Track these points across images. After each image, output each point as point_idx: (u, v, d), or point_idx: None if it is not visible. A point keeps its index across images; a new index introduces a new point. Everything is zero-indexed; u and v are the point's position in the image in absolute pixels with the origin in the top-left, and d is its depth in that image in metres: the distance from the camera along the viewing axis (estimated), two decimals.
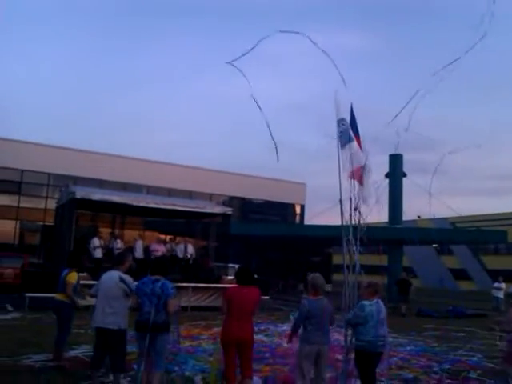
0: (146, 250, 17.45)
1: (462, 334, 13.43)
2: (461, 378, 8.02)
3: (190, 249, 18.44)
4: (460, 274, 45.91)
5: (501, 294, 20.27)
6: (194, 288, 15.83)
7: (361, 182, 7.29)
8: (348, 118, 7.77)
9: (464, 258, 49.73)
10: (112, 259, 10.66)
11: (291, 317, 5.73)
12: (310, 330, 5.74)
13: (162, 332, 5.75)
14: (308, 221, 35.94)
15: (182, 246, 18.24)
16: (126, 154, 32.57)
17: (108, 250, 16.46)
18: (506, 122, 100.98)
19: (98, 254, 16.22)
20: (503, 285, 20.46)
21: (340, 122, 7.68)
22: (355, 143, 7.55)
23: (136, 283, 6.12)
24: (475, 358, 9.66)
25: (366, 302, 6.02)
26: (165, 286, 5.80)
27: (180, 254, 17.98)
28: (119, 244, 16.94)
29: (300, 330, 5.92)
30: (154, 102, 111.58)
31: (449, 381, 7.73)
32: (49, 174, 29.84)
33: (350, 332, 6.29)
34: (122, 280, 6.07)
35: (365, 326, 5.90)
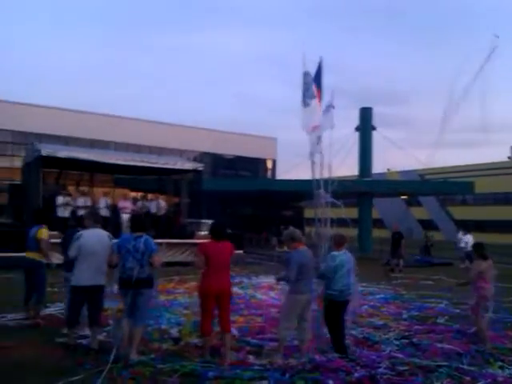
0: (114, 207, 17.25)
1: (430, 283, 13.91)
2: (429, 323, 8.35)
3: (163, 204, 18.31)
4: (428, 225, 47.11)
5: (463, 245, 20.71)
6: (168, 244, 15.84)
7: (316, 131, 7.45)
8: (314, 72, 7.76)
9: (432, 209, 51.01)
10: (79, 217, 10.51)
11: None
12: (300, 280, 5.82)
13: (146, 287, 5.83)
14: (280, 176, 36.15)
15: (154, 203, 18.08)
16: (93, 109, 31.74)
17: (73, 208, 16.13)
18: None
19: (64, 212, 15.90)
20: (460, 235, 20.79)
21: (304, 75, 7.65)
22: (316, 100, 7.59)
23: (115, 240, 6.11)
24: (442, 305, 10.03)
25: (335, 253, 6.28)
26: (148, 242, 5.85)
27: (153, 210, 17.83)
28: (85, 202, 16.58)
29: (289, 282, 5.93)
30: (121, 53, 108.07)
31: (417, 326, 8.02)
32: (12, 131, 28.85)
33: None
34: (109, 237, 6.08)
35: (335, 276, 6.11)
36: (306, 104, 7.61)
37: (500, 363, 6.14)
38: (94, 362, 5.48)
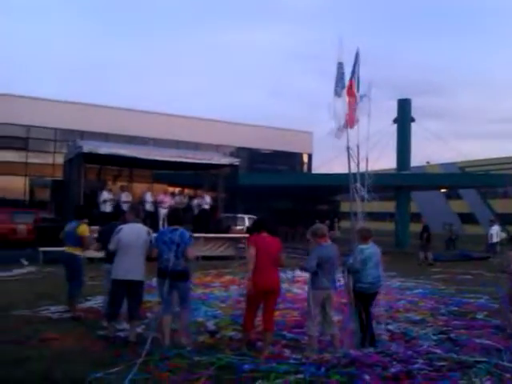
0: (154, 202, 17.58)
1: (469, 277, 13.61)
2: (468, 318, 8.18)
3: (208, 200, 18.57)
4: (468, 218, 45.96)
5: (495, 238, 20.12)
6: (205, 238, 16.04)
7: (351, 125, 7.32)
8: (352, 64, 7.65)
9: (472, 202, 49.69)
10: (122, 212, 10.73)
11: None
12: (320, 275, 5.84)
13: (182, 280, 5.97)
14: (316, 169, 35.91)
15: (199, 199, 18.39)
16: (131, 106, 32.29)
17: (116, 204, 16.50)
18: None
19: (107, 207, 16.31)
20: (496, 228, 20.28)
21: (338, 66, 7.56)
22: (347, 90, 7.47)
23: (154, 235, 6.28)
24: (482, 300, 9.81)
25: (363, 246, 6.34)
26: (183, 235, 6.00)
27: (201, 205, 18.19)
28: (127, 197, 16.96)
29: (309, 277, 6.03)
30: (157, 52, 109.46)
31: (456, 322, 7.88)
32: (55, 129, 29.70)
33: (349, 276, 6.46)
34: (149, 233, 6.22)
35: (364, 268, 6.17)
36: (337, 94, 7.50)
37: None
38: (132, 354, 5.59)
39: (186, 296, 6.14)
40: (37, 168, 29.55)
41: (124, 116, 30.71)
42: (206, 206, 18.32)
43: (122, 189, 17.65)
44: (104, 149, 16.33)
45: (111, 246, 6.24)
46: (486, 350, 6.28)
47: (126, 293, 6.19)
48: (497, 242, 20.23)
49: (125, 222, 6.56)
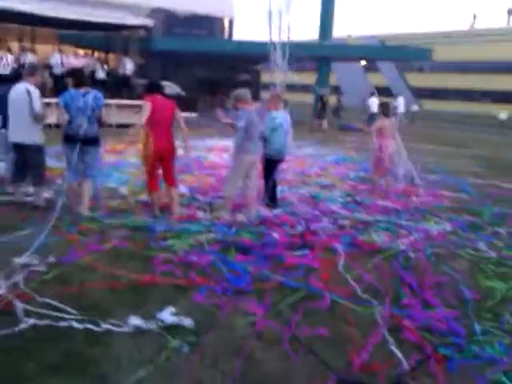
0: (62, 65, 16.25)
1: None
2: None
3: (129, 65, 17.47)
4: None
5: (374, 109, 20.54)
6: (118, 105, 15.31)
7: None
8: None
9: (389, 76, 50.83)
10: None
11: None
12: (248, 139, 5.75)
13: (93, 145, 5.72)
14: (237, 37, 34.44)
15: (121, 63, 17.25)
16: None
17: (19, 65, 15.05)
18: None
19: (4, 69, 14.74)
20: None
21: None
22: None
23: (60, 98, 5.75)
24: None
25: (274, 114, 6.38)
26: (97, 98, 5.66)
27: (121, 71, 17.20)
28: (31, 58, 15.46)
29: (236, 141, 5.86)
30: None
31: (362, 186, 8.34)
32: None
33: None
34: (28, 92, 5.64)
35: (275, 134, 6.25)
36: None
37: (436, 219, 6.54)
38: (40, 218, 5.41)
39: (94, 163, 5.86)
40: None
41: None
42: (128, 72, 17.28)
43: (23, 49, 16.06)
44: None
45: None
46: (387, 211, 6.79)
47: (25, 157, 5.87)
48: (376, 113, 20.60)
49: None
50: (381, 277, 4.47)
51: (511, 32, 44.59)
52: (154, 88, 5.84)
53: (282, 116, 6.48)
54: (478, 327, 3.55)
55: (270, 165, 6.45)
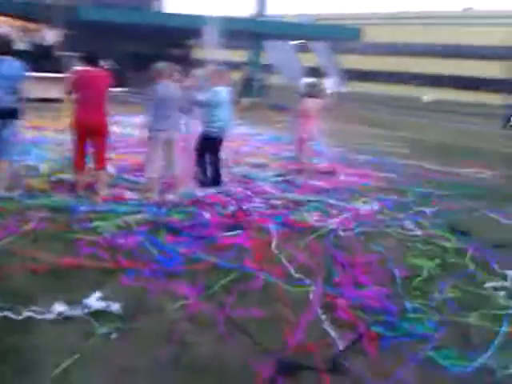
0: None
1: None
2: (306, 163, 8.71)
3: (52, 35, 16.36)
4: (315, 72, 47.74)
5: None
6: (40, 78, 14.39)
7: None
8: None
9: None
10: None
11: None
12: (158, 116, 5.52)
13: (12, 118, 5.22)
14: (169, 10, 33.36)
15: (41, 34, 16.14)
16: None
17: None
18: None
19: None
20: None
21: None
22: None
23: None
24: (321, 147, 10.45)
25: (217, 88, 6.17)
26: (16, 66, 5.15)
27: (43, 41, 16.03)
28: None
29: (149, 118, 5.63)
30: None
31: (294, 166, 8.36)
32: None
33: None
34: None
35: (218, 110, 6.05)
36: None
37: (365, 199, 6.67)
38: None
39: (11, 138, 5.37)
40: None
41: None
42: (47, 43, 16.25)
43: None
44: None
45: None
46: (317, 191, 6.84)
47: None
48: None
49: None
50: (313, 256, 4.48)
51: (441, 16, 46.25)
52: (86, 59, 5.50)
53: (223, 91, 6.25)
54: (408, 305, 3.63)
55: (208, 143, 6.23)
